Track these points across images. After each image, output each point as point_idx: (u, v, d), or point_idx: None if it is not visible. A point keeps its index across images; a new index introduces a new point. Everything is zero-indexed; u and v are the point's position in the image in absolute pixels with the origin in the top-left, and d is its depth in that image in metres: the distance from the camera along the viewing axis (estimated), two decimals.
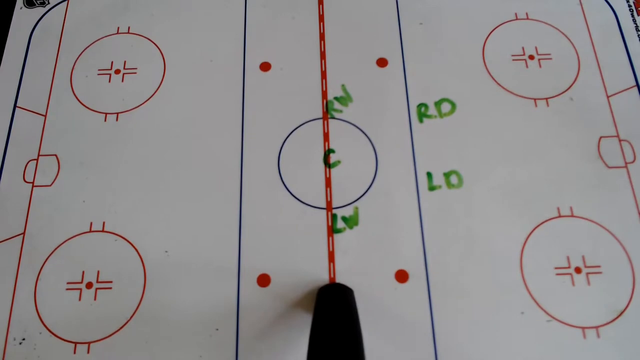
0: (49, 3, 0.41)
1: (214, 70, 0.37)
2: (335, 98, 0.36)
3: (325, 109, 0.36)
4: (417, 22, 0.39)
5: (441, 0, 0.39)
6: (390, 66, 0.37)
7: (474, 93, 0.36)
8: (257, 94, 0.36)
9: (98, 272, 0.32)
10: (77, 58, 0.38)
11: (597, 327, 0.30)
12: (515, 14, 0.39)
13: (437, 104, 0.36)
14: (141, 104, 0.37)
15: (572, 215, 0.32)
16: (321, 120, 0.36)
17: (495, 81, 0.36)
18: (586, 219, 0.32)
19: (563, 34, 0.38)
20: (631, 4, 0.39)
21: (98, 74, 0.38)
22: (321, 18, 0.39)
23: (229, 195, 0.33)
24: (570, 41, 0.38)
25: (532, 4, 0.39)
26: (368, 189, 0.33)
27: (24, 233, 0.33)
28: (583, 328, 0.30)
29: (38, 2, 0.41)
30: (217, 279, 0.31)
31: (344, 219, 0.33)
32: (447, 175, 0.34)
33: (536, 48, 0.38)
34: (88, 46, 0.39)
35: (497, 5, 0.39)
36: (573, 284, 0.31)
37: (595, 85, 0.36)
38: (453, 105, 0.36)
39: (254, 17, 0.39)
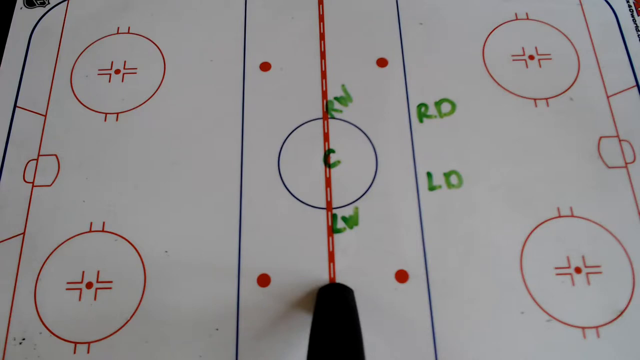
0: (49, 3, 0.41)
1: (214, 70, 0.37)
2: (335, 98, 0.36)
3: (325, 109, 0.36)
4: (417, 22, 0.39)
5: (441, 0, 0.39)
6: (390, 66, 0.37)
7: (474, 93, 0.36)
8: (257, 94, 0.36)
9: (98, 272, 0.32)
10: (77, 58, 0.38)
11: (597, 327, 0.30)
12: (515, 14, 0.39)
13: (437, 104, 0.36)
14: (141, 104, 0.37)
15: (572, 215, 0.32)
16: (321, 120, 0.36)
17: (495, 81, 0.36)
18: (586, 219, 0.32)
19: (563, 34, 0.38)
20: (631, 4, 0.39)
21: (98, 74, 0.38)
22: (321, 18, 0.39)
23: (229, 195, 0.33)
24: (570, 41, 0.38)
25: (532, 4, 0.39)
26: (368, 189, 0.33)
27: (24, 233, 0.33)
28: (583, 328, 0.30)
29: (38, 2, 0.41)
30: (217, 279, 0.31)
31: (344, 219, 0.33)
32: (447, 175, 0.34)
33: (536, 48, 0.38)
34: (88, 46, 0.39)
35: (497, 5, 0.39)
36: (573, 284, 0.31)
37: (595, 85, 0.36)
38: (453, 105, 0.36)
39: (254, 17, 0.39)
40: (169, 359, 0.30)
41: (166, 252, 0.32)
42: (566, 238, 0.32)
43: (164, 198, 0.34)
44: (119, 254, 0.32)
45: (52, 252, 0.32)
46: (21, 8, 0.41)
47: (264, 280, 0.31)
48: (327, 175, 0.34)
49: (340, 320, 0.26)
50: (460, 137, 0.35)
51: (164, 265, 0.32)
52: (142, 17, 0.40)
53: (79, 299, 0.31)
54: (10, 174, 0.35)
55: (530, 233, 0.32)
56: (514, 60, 0.37)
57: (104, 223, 0.33)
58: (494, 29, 0.38)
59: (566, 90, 0.36)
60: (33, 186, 0.34)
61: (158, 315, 0.31)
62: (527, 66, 0.37)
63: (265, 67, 0.37)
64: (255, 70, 0.37)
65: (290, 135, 0.35)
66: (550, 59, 0.37)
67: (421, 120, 0.35)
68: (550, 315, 0.30)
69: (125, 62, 0.38)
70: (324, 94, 0.36)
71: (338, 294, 0.29)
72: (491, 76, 0.37)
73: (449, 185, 0.33)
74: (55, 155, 0.35)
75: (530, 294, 0.31)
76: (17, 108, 0.37)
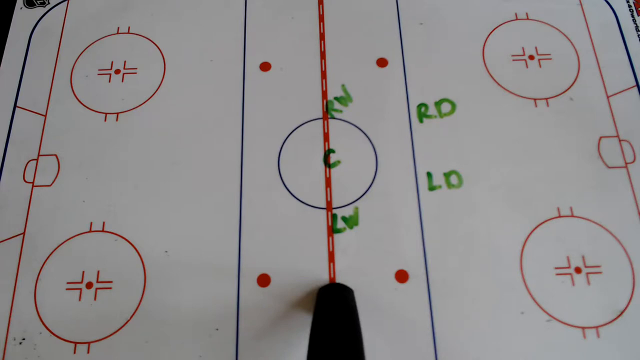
0: (49, 3, 0.41)
1: (214, 70, 0.37)
2: (335, 98, 0.36)
3: (325, 109, 0.36)
4: (417, 22, 0.39)
5: (441, 0, 0.39)
6: (390, 66, 0.37)
7: (474, 93, 0.36)
8: (257, 94, 0.36)
9: (98, 272, 0.32)
10: (77, 58, 0.38)
11: (597, 327, 0.30)
12: (515, 14, 0.39)
13: (437, 104, 0.36)
14: (141, 104, 0.37)
15: (572, 215, 0.32)
16: (321, 120, 0.36)
17: (495, 81, 0.36)
18: (586, 219, 0.32)
19: (563, 34, 0.38)
20: (631, 4, 0.39)
21: (98, 74, 0.38)
22: (321, 18, 0.39)
23: (229, 195, 0.33)
24: (570, 41, 0.38)
25: (532, 4, 0.39)
26: (368, 189, 0.33)
27: (24, 233, 0.33)
28: (583, 328, 0.30)
29: (38, 2, 0.41)
30: (217, 279, 0.31)
31: (344, 219, 0.33)
32: (447, 175, 0.34)
33: (536, 48, 0.38)
34: (88, 46, 0.39)
35: (497, 5, 0.39)
36: (573, 284, 0.31)
37: (595, 85, 0.36)
38: (453, 105, 0.36)
39: (254, 17, 0.39)
40: (169, 359, 0.30)
41: (166, 252, 0.32)
42: (566, 238, 0.32)
43: (164, 198, 0.34)
44: (119, 254, 0.32)
45: (52, 252, 0.32)
46: (21, 8, 0.41)
47: (264, 280, 0.31)
48: (327, 175, 0.34)
49: (340, 320, 0.26)
50: (460, 137, 0.35)
51: (164, 265, 0.32)
52: (142, 17, 0.40)
53: (79, 299, 0.31)
54: (10, 174, 0.35)
55: (530, 233, 0.32)
56: (514, 60, 0.37)
57: (104, 223, 0.33)
58: (494, 29, 0.38)
59: (566, 90, 0.36)
60: (33, 186, 0.34)
61: (158, 315, 0.31)
62: (527, 66, 0.37)
63: (265, 67, 0.37)
64: (255, 70, 0.37)
65: (290, 135, 0.35)
66: (550, 59, 0.37)
67: (421, 120, 0.35)
68: (550, 315, 0.30)
69: (125, 62, 0.38)
70: (324, 94, 0.36)
71: (338, 294, 0.29)
72: (491, 76, 0.37)
73: (449, 185, 0.33)
74: (55, 155, 0.35)
75: (530, 294, 0.31)
76: (17, 108, 0.37)
